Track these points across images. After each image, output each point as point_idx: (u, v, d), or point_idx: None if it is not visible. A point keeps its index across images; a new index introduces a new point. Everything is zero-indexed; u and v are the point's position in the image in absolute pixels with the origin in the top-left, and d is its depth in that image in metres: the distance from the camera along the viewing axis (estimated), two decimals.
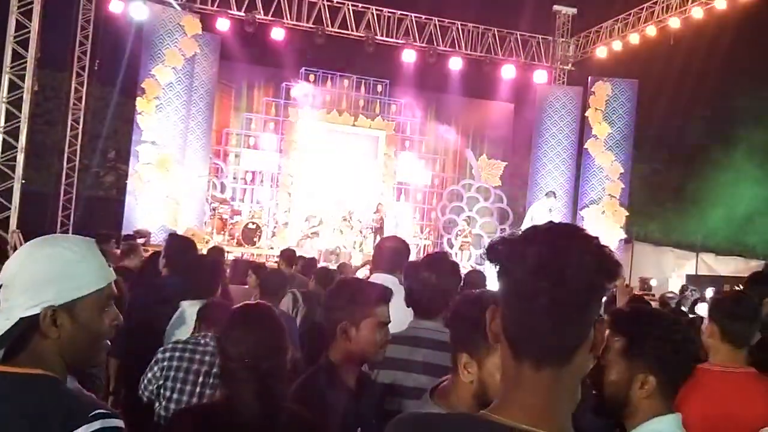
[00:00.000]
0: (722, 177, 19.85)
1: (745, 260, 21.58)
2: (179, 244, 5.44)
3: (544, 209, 16.41)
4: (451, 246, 19.15)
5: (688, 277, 18.53)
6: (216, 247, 9.39)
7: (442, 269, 3.26)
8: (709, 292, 7.54)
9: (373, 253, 4.28)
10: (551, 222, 1.36)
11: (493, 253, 1.34)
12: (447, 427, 1.36)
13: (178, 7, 15.91)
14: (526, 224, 16.39)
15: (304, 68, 19.16)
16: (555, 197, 16.94)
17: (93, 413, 1.60)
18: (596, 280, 1.27)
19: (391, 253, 4.03)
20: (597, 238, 1.32)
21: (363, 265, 14.43)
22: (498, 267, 1.33)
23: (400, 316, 3.60)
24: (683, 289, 10.58)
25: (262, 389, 2.38)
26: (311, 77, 19.30)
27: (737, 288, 14.63)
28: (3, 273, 1.67)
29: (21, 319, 1.65)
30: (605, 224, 17.87)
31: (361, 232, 17.85)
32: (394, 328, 3.50)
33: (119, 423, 1.63)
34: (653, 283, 16.96)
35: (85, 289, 1.71)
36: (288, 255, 8.66)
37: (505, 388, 1.33)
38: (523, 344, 1.29)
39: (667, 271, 20.27)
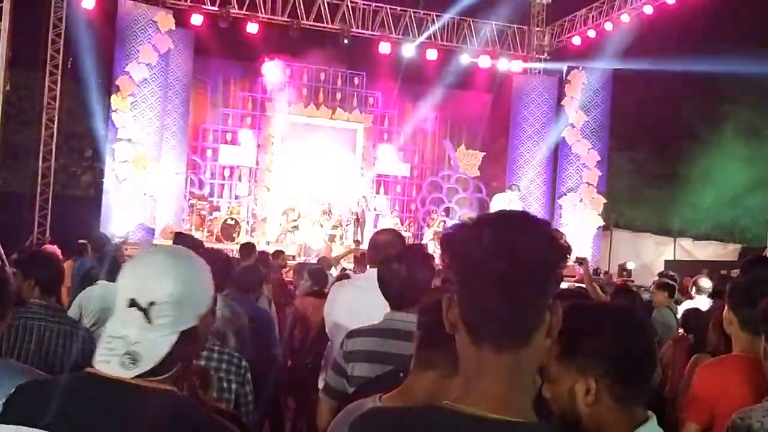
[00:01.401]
0: (703, 161, 20.00)
1: (723, 244, 21.80)
2: (188, 245, 5.40)
3: (505, 202, 16.57)
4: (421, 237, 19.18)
5: (667, 263, 18.69)
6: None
7: (413, 261, 3.27)
8: (706, 282, 7.54)
9: (367, 248, 4.27)
10: (503, 209, 1.39)
11: (447, 238, 1.36)
12: (411, 419, 1.37)
13: None
14: None
15: (280, 62, 19.05)
16: (519, 190, 17.06)
17: None
18: (550, 259, 1.30)
19: (386, 247, 4.01)
20: (549, 222, 1.38)
21: (344, 255, 14.49)
22: (452, 253, 1.34)
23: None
24: (662, 274, 10.65)
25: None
26: (287, 71, 19.20)
27: (724, 272, 14.75)
28: (153, 290, 1.65)
29: (182, 332, 1.68)
30: (583, 212, 18.00)
31: (340, 225, 17.85)
32: (377, 321, 3.53)
33: None
34: (630, 266, 17.10)
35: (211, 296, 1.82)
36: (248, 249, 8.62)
37: (465, 375, 1.35)
38: (481, 328, 1.31)
39: (646, 258, 20.42)
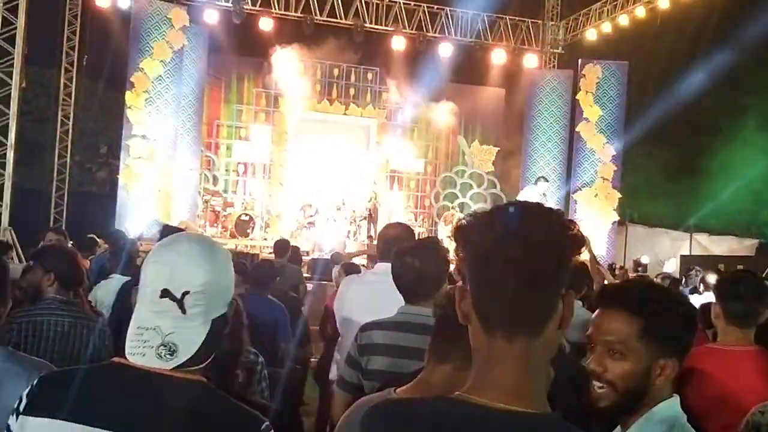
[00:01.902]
0: (720, 155, 19.88)
1: (740, 239, 21.66)
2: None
3: (535, 194, 16.38)
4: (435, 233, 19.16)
5: (683, 258, 18.59)
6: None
7: (426, 254, 3.26)
8: (712, 278, 7.47)
9: (377, 242, 4.26)
10: (517, 200, 1.39)
11: (461, 227, 1.36)
12: (423, 410, 1.36)
13: None
14: None
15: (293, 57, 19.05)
16: (547, 181, 16.87)
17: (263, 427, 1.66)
18: (563, 248, 1.29)
19: (395, 242, 4.00)
20: (561, 211, 1.36)
21: (357, 254, 14.51)
22: (465, 242, 1.34)
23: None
24: (688, 269, 10.56)
25: (216, 373, 2.40)
26: (300, 66, 19.21)
27: (740, 267, 14.65)
28: (186, 279, 1.64)
29: (214, 320, 1.67)
30: (598, 207, 17.92)
31: (354, 221, 17.85)
32: (387, 314, 3.52)
33: None
34: (645, 260, 17.00)
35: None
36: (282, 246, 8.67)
37: (478, 367, 1.33)
38: (494, 317, 1.30)
39: (661, 253, 20.32)
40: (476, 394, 1.29)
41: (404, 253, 3.28)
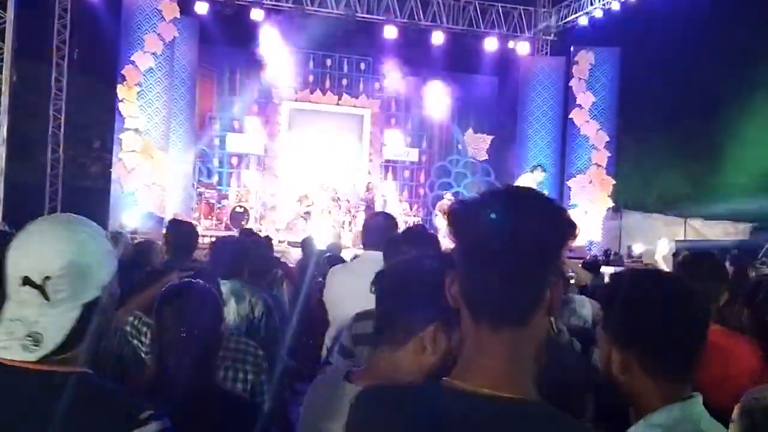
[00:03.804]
0: (713, 139, 19.89)
1: (734, 224, 21.68)
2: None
3: (531, 183, 16.37)
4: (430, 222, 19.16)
5: (678, 243, 18.61)
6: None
7: (422, 242, 3.26)
8: None
9: (361, 231, 4.28)
10: (508, 184, 1.37)
11: (452, 214, 1.35)
12: (411, 395, 1.37)
13: None
14: None
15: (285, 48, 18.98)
16: (544, 171, 16.75)
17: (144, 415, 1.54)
18: (550, 241, 1.29)
19: (379, 230, 4.03)
20: (554, 199, 1.35)
21: (354, 245, 14.52)
22: (455, 229, 1.33)
23: None
24: (676, 254, 10.56)
25: (198, 364, 2.37)
26: (293, 57, 19.15)
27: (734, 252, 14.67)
28: (45, 263, 1.54)
29: (83, 305, 1.58)
30: (593, 194, 17.94)
31: (349, 211, 17.84)
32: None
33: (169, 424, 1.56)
34: (639, 249, 17.01)
35: (113, 264, 1.69)
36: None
37: (466, 352, 1.34)
38: (480, 306, 1.30)
39: (657, 238, 20.31)
40: (463, 379, 1.30)
41: (398, 242, 3.28)
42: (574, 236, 1.34)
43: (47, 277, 1.53)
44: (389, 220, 4.24)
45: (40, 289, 1.53)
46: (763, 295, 3.00)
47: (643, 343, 1.74)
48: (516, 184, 16.08)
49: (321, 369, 3.42)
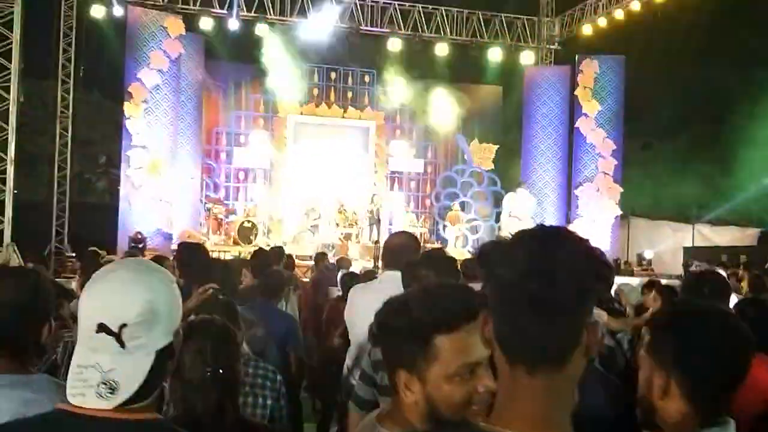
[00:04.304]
0: (719, 145, 19.85)
1: (741, 229, 21.62)
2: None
3: (522, 201, 16.47)
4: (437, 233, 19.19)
5: (686, 250, 18.57)
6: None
7: (440, 266, 3.25)
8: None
9: (382, 250, 4.26)
10: (541, 225, 1.35)
11: (483, 256, 1.33)
12: None
13: None
14: (503, 218, 16.45)
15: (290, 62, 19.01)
16: (525, 186, 16.90)
17: None
18: (586, 282, 1.26)
19: (400, 250, 4.02)
20: (587, 240, 1.31)
21: (361, 257, 14.51)
22: (487, 271, 1.31)
23: None
24: (687, 263, 10.54)
25: (223, 404, 2.36)
26: (298, 71, 19.19)
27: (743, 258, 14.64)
28: (121, 311, 1.52)
29: (157, 351, 1.56)
30: (600, 202, 17.90)
31: (356, 223, 17.84)
32: None
33: None
34: (648, 255, 16.96)
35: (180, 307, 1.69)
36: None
37: (502, 396, 1.32)
38: (515, 350, 1.28)
39: (665, 245, 20.29)
40: (500, 424, 1.27)
41: (418, 265, 3.27)
42: (610, 278, 1.33)
43: (124, 325, 1.51)
44: (411, 239, 4.23)
45: (117, 336, 1.50)
46: None
47: (691, 371, 1.79)
48: (504, 203, 16.07)
49: (343, 389, 3.41)
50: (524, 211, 16.49)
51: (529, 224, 16.26)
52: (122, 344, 1.50)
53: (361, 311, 4.11)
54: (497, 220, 19.28)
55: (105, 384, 1.49)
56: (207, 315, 2.86)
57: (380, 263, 10.43)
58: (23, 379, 2.10)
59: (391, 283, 3.88)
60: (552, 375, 1.26)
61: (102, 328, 1.50)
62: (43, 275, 2.45)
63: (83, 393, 1.49)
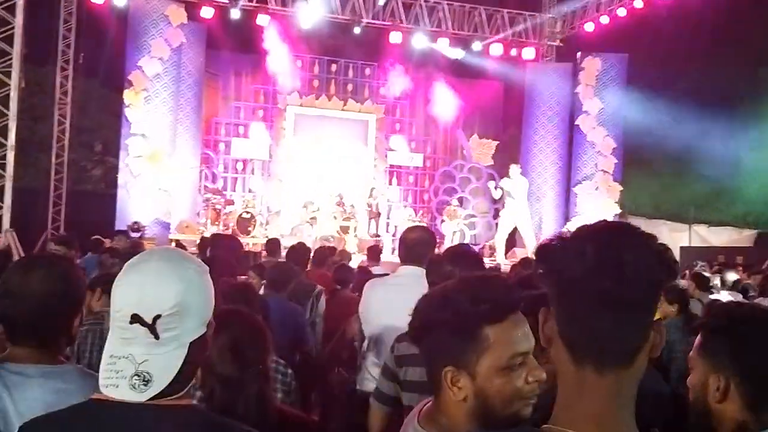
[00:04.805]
0: (718, 145, 19.86)
1: (738, 230, 21.67)
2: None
3: (513, 181, 16.45)
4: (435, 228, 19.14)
5: (682, 249, 18.59)
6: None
7: (466, 262, 3.22)
8: (731, 276, 7.44)
9: (399, 246, 4.24)
10: (605, 220, 1.32)
11: (545, 251, 1.30)
12: None
13: None
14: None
15: (291, 53, 18.95)
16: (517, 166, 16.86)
17: None
18: (657, 276, 1.24)
19: (417, 244, 3.99)
20: (653, 235, 1.29)
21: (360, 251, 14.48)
22: (550, 267, 1.28)
23: None
24: (691, 264, 10.54)
25: (260, 393, 2.33)
26: (298, 62, 19.15)
27: (740, 259, 14.67)
28: (156, 302, 1.52)
29: (191, 343, 1.55)
30: (599, 200, 17.90)
31: (354, 217, 17.81)
32: None
33: None
34: None
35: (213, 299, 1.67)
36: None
37: (564, 395, 1.29)
38: (583, 348, 1.25)
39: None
40: (564, 425, 1.26)
41: (442, 261, 3.25)
42: (677, 273, 1.30)
43: (158, 316, 1.50)
44: (428, 234, 4.20)
45: (151, 327, 1.50)
46: None
47: (749, 373, 1.79)
48: (502, 186, 16.01)
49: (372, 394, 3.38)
50: (518, 190, 16.44)
51: (524, 204, 16.17)
52: (156, 336, 1.50)
53: (378, 307, 4.09)
54: (495, 216, 19.28)
55: (138, 376, 1.49)
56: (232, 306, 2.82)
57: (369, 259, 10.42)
58: (55, 369, 2.08)
59: (409, 278, 3.87)
60: (620, 374, 1.24)
61: (136, 319, 1.50)
62: (73, 263, 2.41)
63: (116, 384, 1.49)
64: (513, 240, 17.51)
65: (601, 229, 1.29)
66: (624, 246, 1.23)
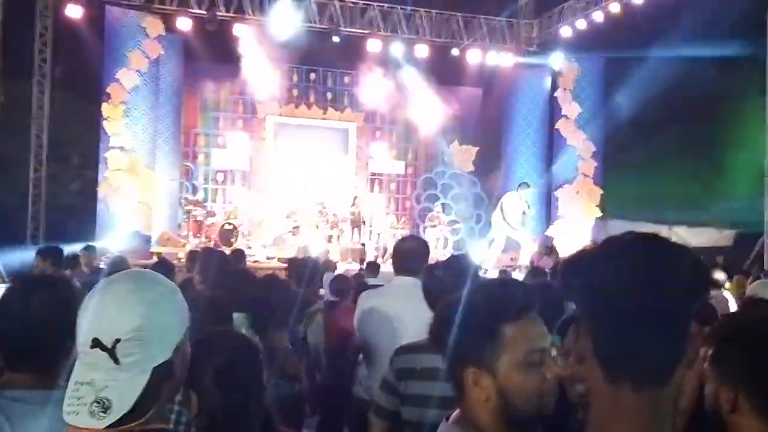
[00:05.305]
0: (697, 146, 20.01)
1: (718, 230, 21.80)
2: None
3: (516, 199, 16.32)
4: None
5: None
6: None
7: (461, 272, 3.20)
8: (720, 275, 7.48)
9: (392, 256, 4.20)
10: (633, 232, 1.27)
11: (575, 265, 1.27)
12: None
13: None
14: (497, 214, 16.34)
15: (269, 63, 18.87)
16: (528, 186, 16.48)
17: None
18: (694, 288, 1.21)
19: (411, 255, 3.96)
20: (686, 246, 1.25)
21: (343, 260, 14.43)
22: (582, 282, 1.25)
23: (428, 321, 3.52)
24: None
25: (265, 417, 2.31)
26: (277, 72, 19.09)
27: (719, 259, 14.76)
28: (115, 325, 1.47)
29: (154, 368, 1.50)
30: (580, 204, 17.97)
31: (337, 225, 17.76)
32: (423, 334, 3.44)
33: None
34: None
35: (186, 322, 1.63)
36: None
37: (599, 416, 1.24)
38: (621, 365, 1.21)
39: None
40: None
41: (437, 269, 3.23)
42: (710, 286, 1.29)
43: (117, 340, 1.46)
44: (421, 245, 4.18)
45: (110, 352, 1.46)
46: None
47: (760, 383, 1.77)
48: (504, 201, 16.00)
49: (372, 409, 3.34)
50: (519, 211, 16.29)
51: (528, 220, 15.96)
52: (116, 360, 1.46)
53: (373, 318, 4.05)
54: (478, 221, 19.31)
55: (98, 402, 1.45)
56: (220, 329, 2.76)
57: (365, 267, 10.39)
58: (55, 394, 2.02)
59: (403, 289, 3.84)
60: (659, 391, 1.20)
61: (96, 343, 1.46)
62: (72, 284, 2.35)
63: (77, 411, 1.45)
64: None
65: (634, 241, 1.25)
66: (660, 259, 1.20)
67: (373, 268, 10.46)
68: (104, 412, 1.44)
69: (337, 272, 10.47)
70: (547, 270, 8.10)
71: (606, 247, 1.26)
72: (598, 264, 1.24)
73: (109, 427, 1.44)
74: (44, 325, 2.07)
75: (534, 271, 7.79)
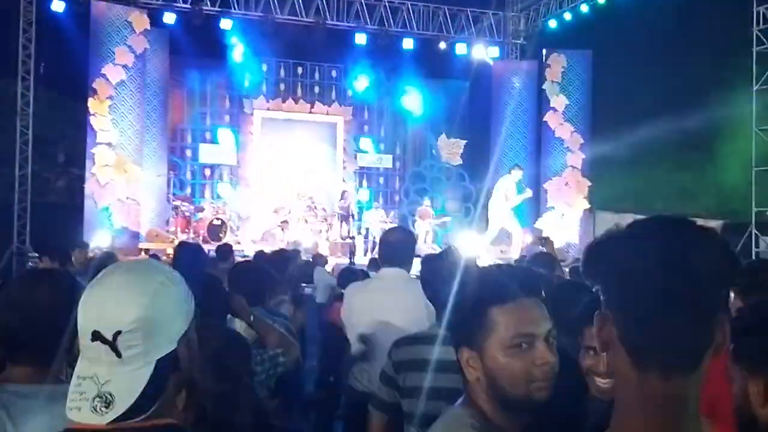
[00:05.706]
0: (685, 137, 20.07)
1: (705, 220, 21.90)
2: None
3: (511, 184, 16.34)
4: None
5: None
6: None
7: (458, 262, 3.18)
8: None
9: (379, 248, 4.19)
10: (658, 215, 1.25)
11: (600, 249, 1.24)
12: None
13: None
14: (495, 199, 16.35)
15: (256, 57, 18.82)
16: (521, 169, 16.55)
17: None
18: (724, 272, 1.19)
19: (399, 247, 3.94)
20: (715, 230, 1.24)
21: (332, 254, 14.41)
22: (607, 266, 1.22)
23: (416, 313, 3.52)
24: None
25: (255, 406, 2.32)
26: (264, 66, 19.04)
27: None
28: (115, 317, 1.43)
29: (158, 360, 1.46)
30: (569, 196, 18.00)
31: (325, 220, 17.73)
32: (413, 326, 3.42)
33: None
34: None
35: (191, 312, 1.58)
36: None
37: (625, 404, 1.22)
38: (649, 352, 1.18)
39: None
40: None
41: (436, 260, 3.21)
42: (739, 270, 1.26)
43: (118, 332, 1.41)
44: (407, 236, 4.17)
45: (111, 345, 1.41)
46: None
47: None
48: (496, 187, 16.01)
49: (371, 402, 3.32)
50: (515, 193, 16.30)
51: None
52: (118, 353, 1.41)
53: (361, 310, 4.02)
54: (467, 214, 19.30)
55: (100, 397, 1.41)
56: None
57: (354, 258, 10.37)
58: (59, 389, 1.99)
59: (391, 281, 3.82)
60: (687, 379, 1.17)
61: (96, 336, 1.41)
62: (74, 279, 2.31)
63: (79, 407, 1.42)
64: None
65: (661, 224, 1.22)
66: (688, 241, 1.17)
67: (376, 263, 10.42)
68: (107, 408, 1.40)
69: (327, 267, 10.47)
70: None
71: (632, 230, 1.23)
72: (624, 247, 1.21)
73: (113, 422, 1.40)
74: (47, 318, 2.03)
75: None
